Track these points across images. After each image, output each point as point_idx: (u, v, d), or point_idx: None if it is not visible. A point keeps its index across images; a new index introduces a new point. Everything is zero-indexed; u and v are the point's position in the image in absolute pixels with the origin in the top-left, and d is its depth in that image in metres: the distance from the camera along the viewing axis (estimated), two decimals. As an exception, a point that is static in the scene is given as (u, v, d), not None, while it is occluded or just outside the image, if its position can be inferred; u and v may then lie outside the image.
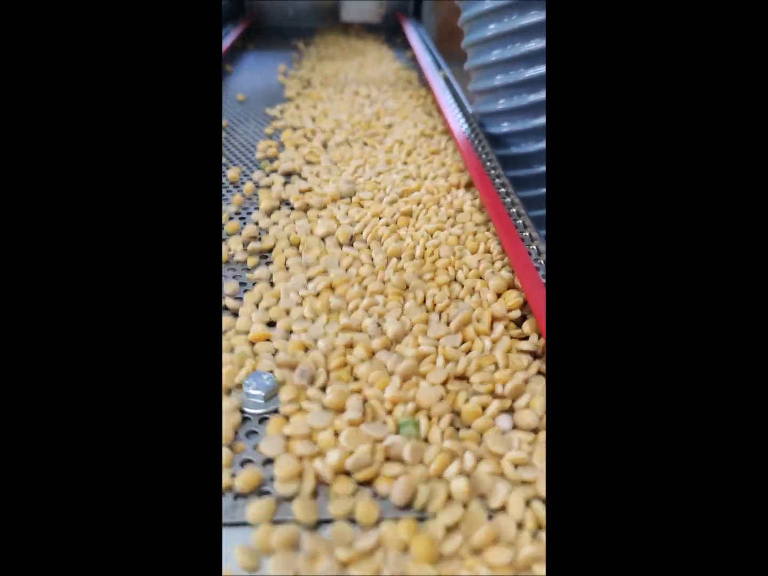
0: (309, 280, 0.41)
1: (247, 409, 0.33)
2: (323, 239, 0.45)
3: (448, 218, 0.49)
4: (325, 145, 0.61)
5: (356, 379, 0.33)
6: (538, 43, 0.62)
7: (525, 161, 0.68)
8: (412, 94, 0.81)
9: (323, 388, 0.33)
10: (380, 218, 0.48)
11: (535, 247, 0.43)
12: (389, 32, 1.31)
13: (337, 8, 1.35)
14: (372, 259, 0.43)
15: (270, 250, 0.45)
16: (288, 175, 0.56)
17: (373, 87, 0.83)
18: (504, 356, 0.34)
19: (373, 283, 0.40)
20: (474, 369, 0.34)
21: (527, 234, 0.44)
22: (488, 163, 0.55)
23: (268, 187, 0.54)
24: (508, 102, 0.67)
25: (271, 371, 0.34)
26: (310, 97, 0.78)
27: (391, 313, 0.38)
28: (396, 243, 0.44)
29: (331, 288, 0.40)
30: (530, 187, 0.69)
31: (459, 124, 0.65)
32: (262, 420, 0.32)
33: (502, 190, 0.50)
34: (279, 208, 0.51)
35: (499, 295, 0.40)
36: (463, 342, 0.36)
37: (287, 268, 0.43)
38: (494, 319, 0.38)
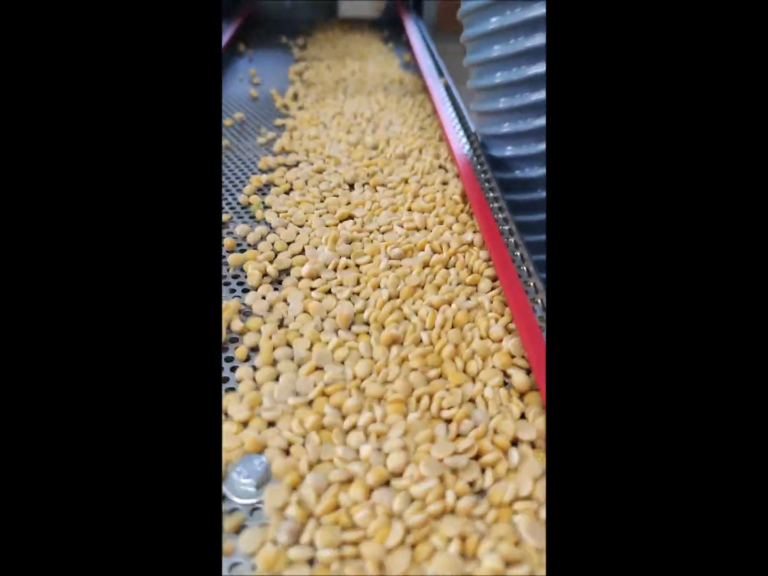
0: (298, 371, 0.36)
1: (236, 499, 0.29)
2: (322, 320, 0.39)
3: (458, 284, 0.42)
4: (320, 191, 0.54)
5: (352, 526, 0.28)
6: (543, 67, 0.57)
7: (529, 186, 0.64)
8: (418, 113, 0.74)
9: (311, 544, 0.27)
10: (381, 288, 0.41)
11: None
12: (390, 25, 1.23)
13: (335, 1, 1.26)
14: (371, 347, 0.36)
15: (256, 347, 0.38)
16: (278, 229, 0.49)
17: (374, 104, 0.75)
18: (532, 484, 0.29)
19: (372, 385, 0.34)
20: (492, 519, 0.28)
21: (539, 303, 0.40)
22: (495, 205, 0.50)
23: (255, 247, 0.46)
24: (513, 126, 0.61)
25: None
26: (306, 121, 0.70)
27: (394, 430, 0.31)
28: (397, 327, 0.38)
29: (325, 393, 0.34)
30: (538, 211, 0.64)
31: (462, 149, 0.60)
32: (254, 510, 0.29)
33: (511, 239, 0.46)
34: (270, 282, 0.43)
35: (522, 395, 0.34)
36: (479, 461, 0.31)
37: (275, 363, 0.36)
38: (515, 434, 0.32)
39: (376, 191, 0.54)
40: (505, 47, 0.58)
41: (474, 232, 0.48)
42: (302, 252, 0.46)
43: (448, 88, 0.79)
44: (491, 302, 0.41)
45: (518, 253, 0.44)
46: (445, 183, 0.56)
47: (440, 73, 0.85)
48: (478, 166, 0.58)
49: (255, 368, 0.36)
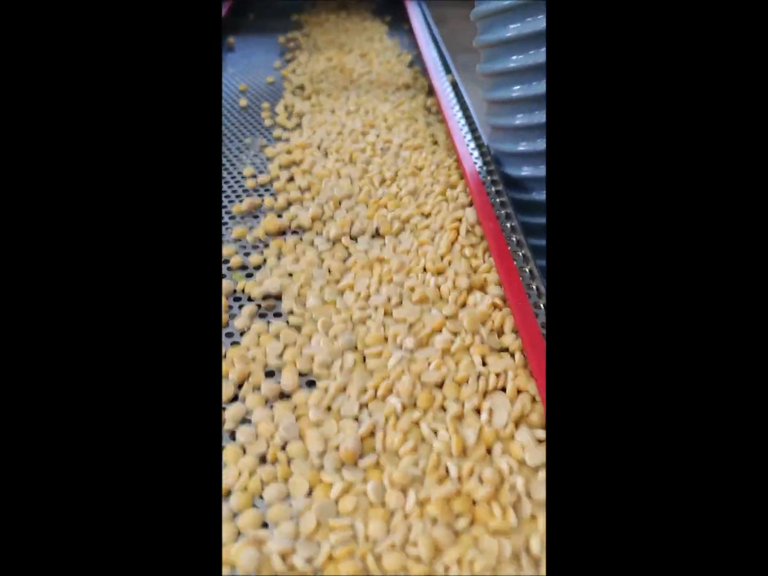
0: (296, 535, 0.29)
1: None
2: (321, 454, 0.32)
3: (480, 377, 0.35)
4: (318, 251, 0.46)
5: None
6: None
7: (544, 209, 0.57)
8: (429, 129, 0.65)
9: None
10: (393, 395, 0.33)
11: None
12: (389, 4, 1.14)
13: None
14: (384, 490, 0.29)
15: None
16: (267, 303, 0.41)
17: (380, 121, 0.66)
18: None
19: (389, 555, 0.27)
20: None
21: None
22: (513, 239, 0.46)
23: (240, 334, 0.39)
24: (530, 145, 0.55)
25: None
26: (300, 147, 0.61)
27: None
28: (416, 462, 0.30)
29: (331, 557, 0.27)
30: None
31: (475, 171, 0.54)
32: None
33: (533, 287, 0.41)
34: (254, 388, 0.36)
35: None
36: None
37: (257, 507, 0.29)
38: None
39: (384, 244, 0.46)
40: (525, 58, 0.51)
41: (499, 292, 0.42)
42: (294, 343, 0.38)
43: (455, 86, 0.72)
44: (515, 377, 0.35)
45: (542, 305, 0.39)
46: (459, 220, 0.49)
47: (447, 70, 0.77)
48: (493, 187, 0.52)
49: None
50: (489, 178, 0.54)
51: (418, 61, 0.87)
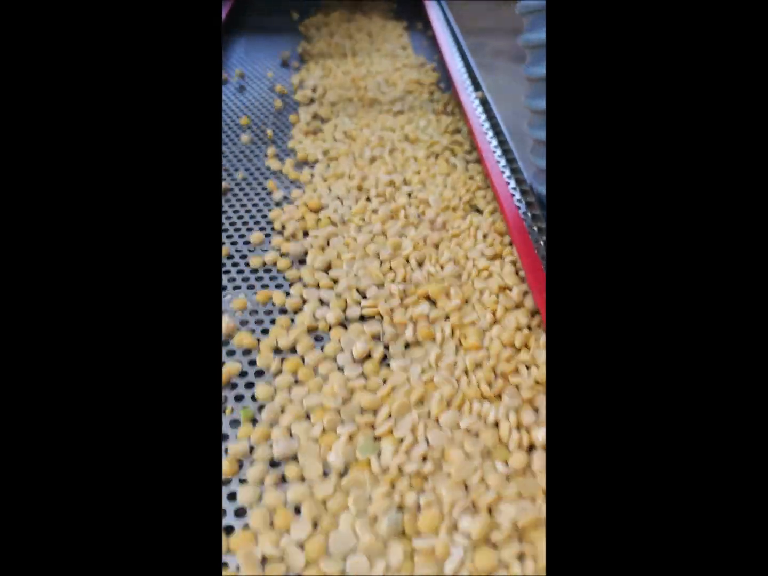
0: None
1: None
2: None
3: None
4: (345, 378, 0.37)
5: None
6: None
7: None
8: (467, 173, 0.57)
9: None
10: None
11: None
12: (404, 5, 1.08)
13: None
14: None
15: None
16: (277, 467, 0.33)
17: (411, 173, 0.57)
18: None
19: None
20: None
21: None
22: None
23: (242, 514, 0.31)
24: None
25: None
26: (314, 210, 0.52)
27: None
28: None
29: None
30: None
31: (515, 211, 0.49)
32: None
33: None
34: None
35: None
36: None
37: None
38: None
39: (425, 356, 0.38)
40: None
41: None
42: (317, 524, 0.30)
43: (485, 103, 0.66)
44: None
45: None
46: (509, 310, 0.41)
47: (477, 87, 0.71)
48: (541, 241, 0.46)
49: None
50: (535, 227, 0.47)
51: (442, 74, 0.79)
